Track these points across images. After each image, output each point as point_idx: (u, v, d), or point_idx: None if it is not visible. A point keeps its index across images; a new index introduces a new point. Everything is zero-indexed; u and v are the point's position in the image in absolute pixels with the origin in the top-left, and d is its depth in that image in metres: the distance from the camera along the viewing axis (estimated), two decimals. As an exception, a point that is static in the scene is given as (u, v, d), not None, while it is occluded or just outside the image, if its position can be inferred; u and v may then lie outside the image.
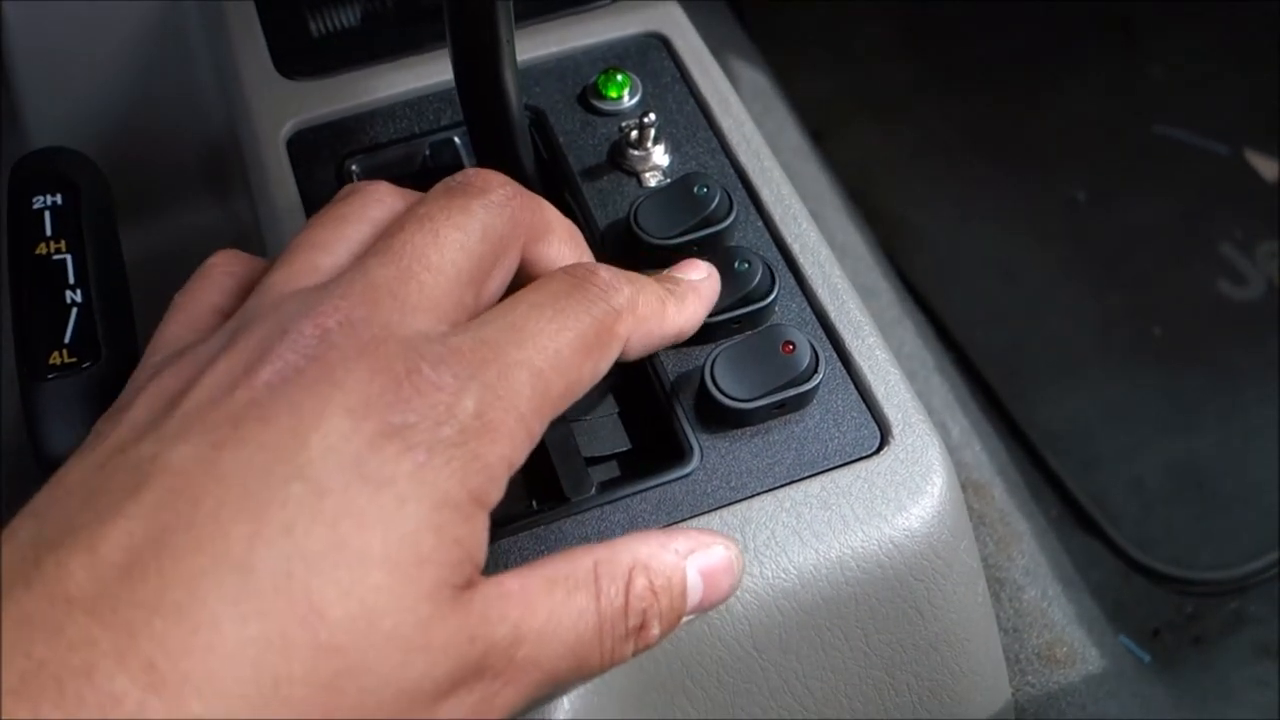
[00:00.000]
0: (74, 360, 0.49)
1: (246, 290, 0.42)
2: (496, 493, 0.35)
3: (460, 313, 0.38)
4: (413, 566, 0.32)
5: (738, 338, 0.49)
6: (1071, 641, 0.69)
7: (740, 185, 0.57)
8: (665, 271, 0.47)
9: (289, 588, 0.30)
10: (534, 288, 0.40)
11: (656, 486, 0.47)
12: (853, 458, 0.48)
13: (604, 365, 0.40)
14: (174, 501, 0.31)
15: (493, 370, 0.35)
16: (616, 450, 0.50)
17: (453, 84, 0.50)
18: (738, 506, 0.47)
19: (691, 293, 0.46)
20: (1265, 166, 1.25)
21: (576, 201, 0.56)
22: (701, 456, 0.48)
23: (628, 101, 0.60)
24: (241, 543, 0.30)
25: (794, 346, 0.48)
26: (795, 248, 0.54)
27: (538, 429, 0.37)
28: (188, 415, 0.34)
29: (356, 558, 0.31)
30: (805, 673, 0.47)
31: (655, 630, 0.39)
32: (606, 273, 0.41)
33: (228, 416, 0.33)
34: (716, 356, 0.48)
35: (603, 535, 0.45)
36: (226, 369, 0.35)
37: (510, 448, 0.35)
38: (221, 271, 0.43)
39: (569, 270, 0.41)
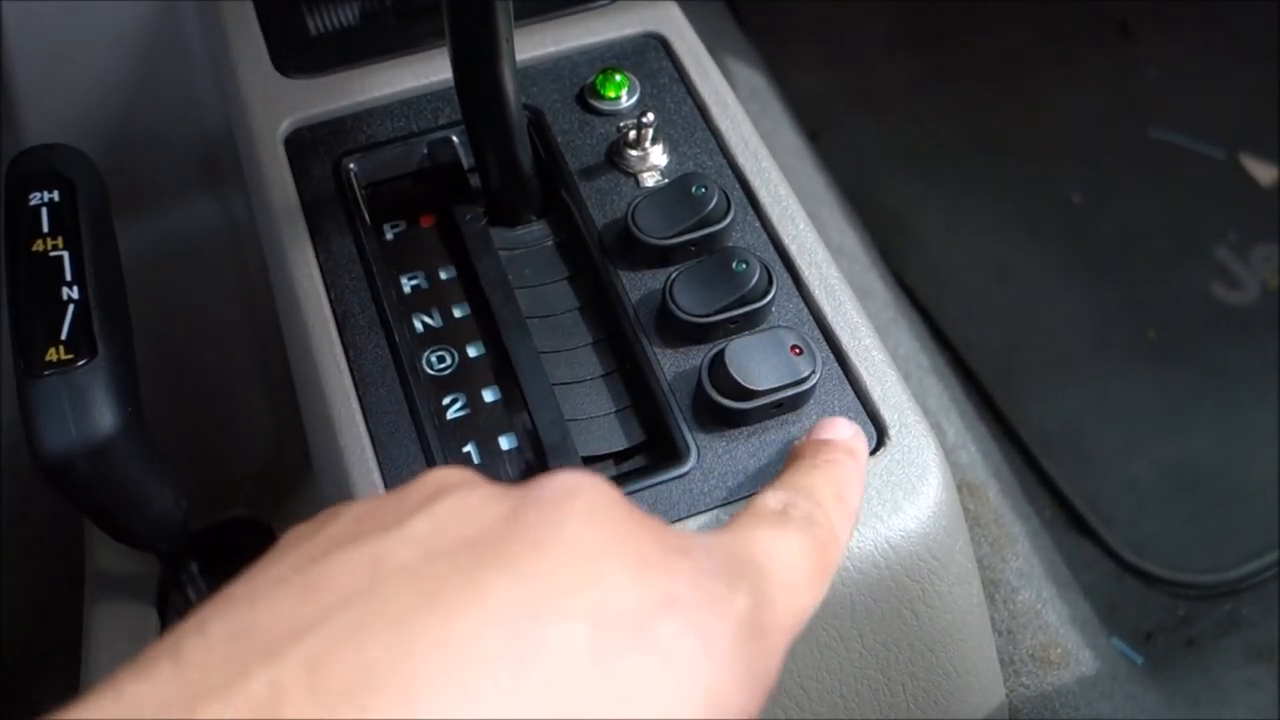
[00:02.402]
0: (70, 357, 0.49)
1: None
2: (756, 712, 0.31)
3: None
4: None
5: (735, 337, 0.50)
6: (1065, 643, 0.69)
7: (738, 186, 0.57)
8: (813, 438, 0.45)
9: None
10: (748, 515, 0.37)
11: (653, 486, 0.47)
12: (849, 458, 0.48)
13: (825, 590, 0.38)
14: (423, 618, 0.26)
15: (752, 572, 0.33)
16: (613, 449, 0.50)
17: (451, 83, 0.50)
18: (734, 506, 0.47)
19: (849, 461, 0.43)
20: (1261, 171, 1.25)
21: (574, 201, 0.56)
22: (698, 456, 0.48)
23: (626, 101, 0.60)
24: (498, 684, 0.25)
25: (800, 350, 0.48)
26: (793, 248, 0.54)
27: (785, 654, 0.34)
28: (438, 522, 0.29)
29: None
30: (800, 673, 0.47)
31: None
32: (807, 504, 0.38)
33: (493, 535, 0.29)
34: (714, 355, 0.48)
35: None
36: (482, 494, 0.31)
37: (776, 671, 0.32)
38: None
39: (766, 505, 0.38)
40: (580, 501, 0.30)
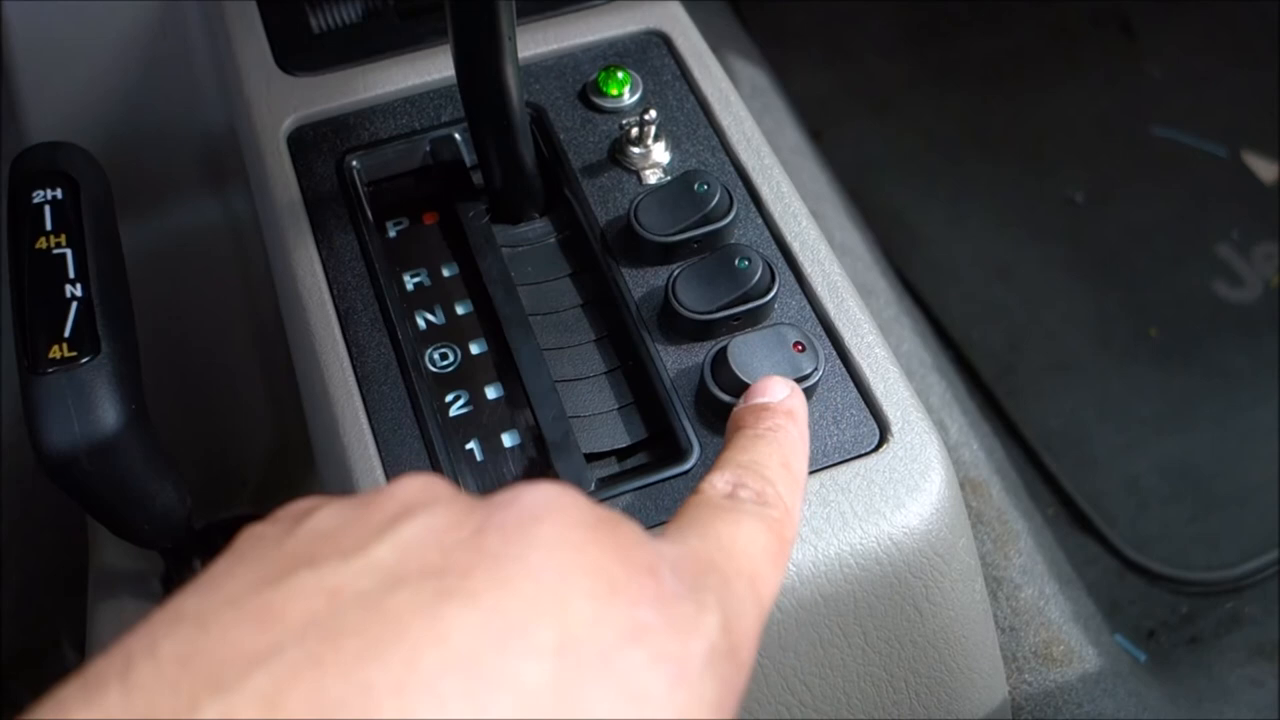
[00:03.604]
0: (73, 354, 0.49)
1: None
2: None
3: None
4: None
5: (738, 334, 0.50)
6: (1068, 640, 0.69)
7: (740, 183, 0.57)
8: (749, 404, 0.43)
9: None
10: (700, 505, 0.36)
11: (656, 483, 0.47)
12: (852, 455, 0.48)
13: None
14: (382, 655, 0.25)
15: (717, 581, 0.32)
16: (615, 446, 0.50)
17: (454, 80, 0.50)
18: (737, 503, 0.47)
19: (790, 424, 0.42)
20: (1263, 169, 1.25)
21: (576, 198, 0.56)
22: (701, 453, 0.48)
23: (628, 99, 0.60)
24: None
25: (803, 346, 0.48)
26: (795, 245, 0.54)
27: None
28: (400, 550, 0.28)
29: None
30: (803, 670, 0.47)
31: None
32: (756, 483, 0.37)
33: (456, 565, 0.27)
34: (716, 352, 0.48)
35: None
36: (447, 515, 0.29)
37: (747, 674, 0.31)
38: None
39: (715, 488, 0.38)
40: (545, 526, 0.29)
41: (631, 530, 0.31)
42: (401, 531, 0.28)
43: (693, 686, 0.28)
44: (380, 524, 0.29)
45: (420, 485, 0.31)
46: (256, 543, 0.29)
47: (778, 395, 0.42)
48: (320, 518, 0.30)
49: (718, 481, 0.37)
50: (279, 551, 0.28)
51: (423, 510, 0.29)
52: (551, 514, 0.29)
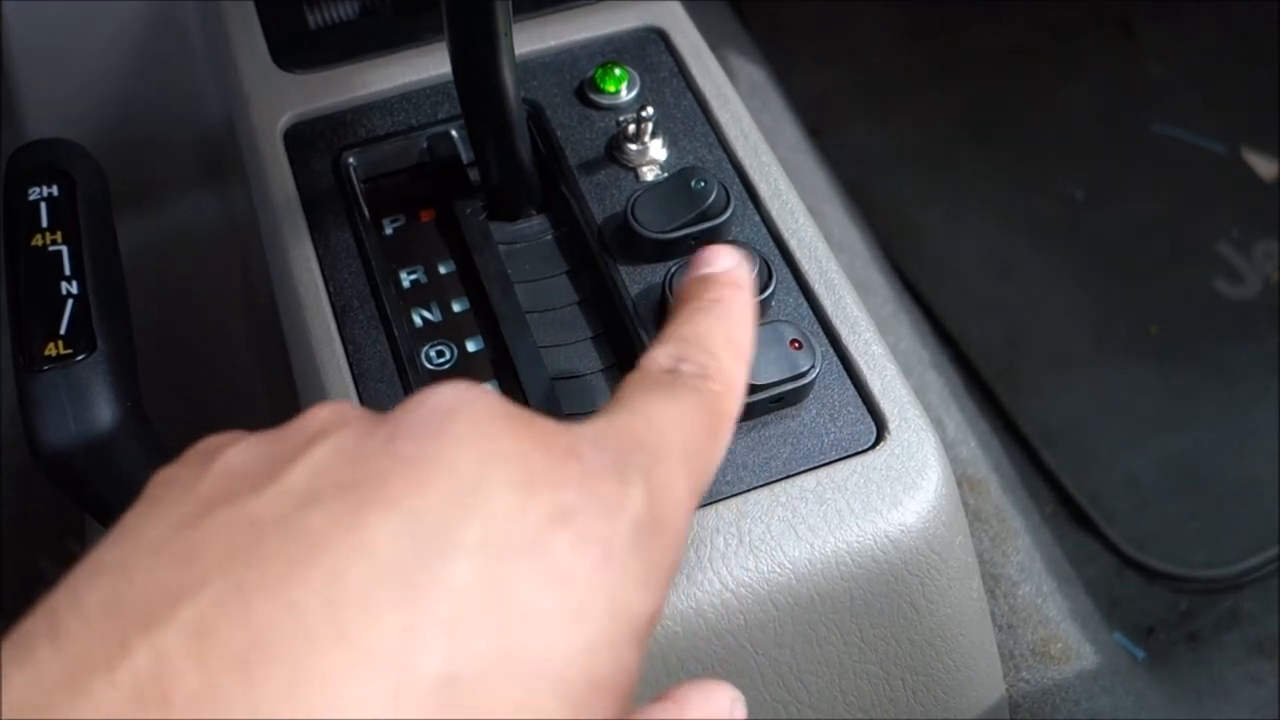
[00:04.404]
0: (69, 352, 0.49)
1: None
2: (663, 608, 0.30)
3: None
4: (584, 692, 0.26)
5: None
6: (1066, 638, 0.69)
7: (738, 180, 0.57)
8: (693, 275, 0.41)
9: (451, 700, 0.24)
10: (638, 382, 0.35)
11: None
12: (849, 452, 0.48)
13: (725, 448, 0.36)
14: (307, 574, 0.25)
15: (644, 457, 0.31)
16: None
17: (450, 77, 0.50)
18: (733, 500, 0.47)
19: (735, 295, 0.40)
20: (1263, 165, 1.25)
21: (573, 195, 0.56)
22: (697, 451, 0.48)
23: (625, 96, 0.60)
24: (394, 636, 0.24)
25: (800, 344, 0.48)
26: (792, 243, 0.54)
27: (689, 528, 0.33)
28: (313, 471, 0.27)
29: (529, 672, 0.26)
30: (800, 668, 0.47)
31: None
32: (699, 355, 0.36)
33: (371, 475, 0.27)
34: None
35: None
36: (358, 431, 0.29)
37: (679, 552, 0.31)
38: None
39: (656, 363, 0.36)
40: (458, 421, 0.28)
41: (548, 421, 0.30)
42: (313, 454, 0.28)
43: (619, 564, 0.28)
44: (291, 452, 0.28)
45: (329, 411, 0.31)
46: (169, 487, 0.29)
47: (723, 265, 0.40)
48: (231, 455, 0.29)
49: (659, 356, 0.36)
50: (193, 494, 0.28)
51: (334, 432, 0.29)
52: (463, 408, 0.29)
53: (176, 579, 0.25)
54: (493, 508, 0.27)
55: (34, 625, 0.25)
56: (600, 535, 0.28)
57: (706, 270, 0.40)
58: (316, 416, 0.30)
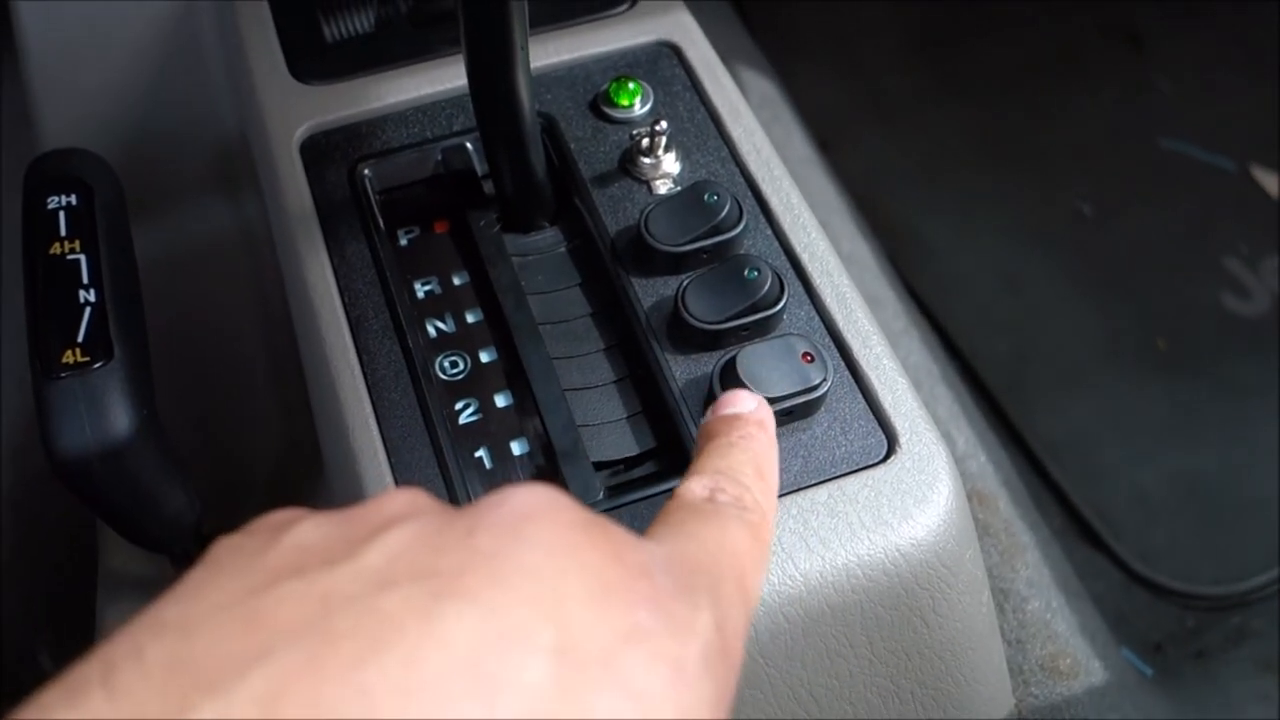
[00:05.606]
0: (86, 359, 0.50)
1: None
2: None
3: None
4: None
5: (747, 344, 0.50)
6: (1075, 653, 0.69)
7: (750, 193, 0.57)
8: (717, 415, 0.42)
9: None
10: (681, 509, 0.36)
11: (664, 492, 0.47)
12: (860, 466, 0.48)
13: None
14: (381, 659, 0.24)
15: (707, 582, 0.32)
16: (624, 455, 0.50)
17: (466, 90, 0.51)
18: (745, 513, 0.47)
19: (760, 433, 0.42)
20: (1271, 182, 1.25)
21: (587, 207, 0.56)
22: (709, 463, 0.48)
23: (639, 109, 0.60)
24: None
25: (811, 357, 0.48)
26: (804, 256, 0.54)
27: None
28: (389, 555, 0.27)
29: None
30: (810, 680, 0.47)
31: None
32: (733, 488, 0.37)
33: (449, 566, 0.27)
34: (725, 362, 0.49)
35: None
36: (435, 521, 0.29)
37: (738, 673, 0.31)
38: None
39: (694, 493, 0.37)
40: (538, 526, 0.29)
41: (622, 533, 0.31)
42: (388, 539, 0.28)
43: (691, 686, 0.28)
44: (365, 534, 0.28)
45: (406, 498, 0.31)
46: (235, 553, 0.28)
47: (748, 406, 0.42)
48: (302, 529, 0.29)
49: (695, 486, 0.37)
50: (261, 563, 0.27)
51: (410, 519, 0.29)
52: (543, 514, 0.29)
53: (243, 645, 0.24)
54: (569, 616, 0.27)
55: (87, 671, 0.24)
56: (673, 656, 0.28)
57: (732, 410, 0.42)
58: (393, 501, 0.30)
